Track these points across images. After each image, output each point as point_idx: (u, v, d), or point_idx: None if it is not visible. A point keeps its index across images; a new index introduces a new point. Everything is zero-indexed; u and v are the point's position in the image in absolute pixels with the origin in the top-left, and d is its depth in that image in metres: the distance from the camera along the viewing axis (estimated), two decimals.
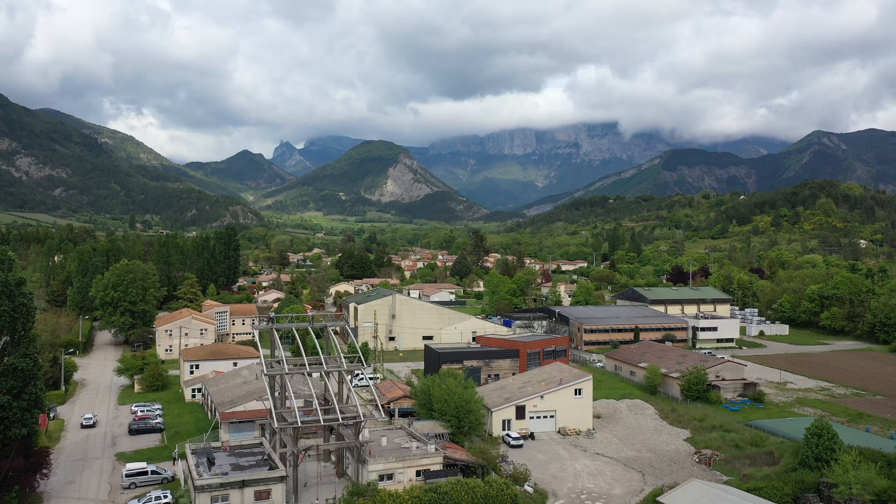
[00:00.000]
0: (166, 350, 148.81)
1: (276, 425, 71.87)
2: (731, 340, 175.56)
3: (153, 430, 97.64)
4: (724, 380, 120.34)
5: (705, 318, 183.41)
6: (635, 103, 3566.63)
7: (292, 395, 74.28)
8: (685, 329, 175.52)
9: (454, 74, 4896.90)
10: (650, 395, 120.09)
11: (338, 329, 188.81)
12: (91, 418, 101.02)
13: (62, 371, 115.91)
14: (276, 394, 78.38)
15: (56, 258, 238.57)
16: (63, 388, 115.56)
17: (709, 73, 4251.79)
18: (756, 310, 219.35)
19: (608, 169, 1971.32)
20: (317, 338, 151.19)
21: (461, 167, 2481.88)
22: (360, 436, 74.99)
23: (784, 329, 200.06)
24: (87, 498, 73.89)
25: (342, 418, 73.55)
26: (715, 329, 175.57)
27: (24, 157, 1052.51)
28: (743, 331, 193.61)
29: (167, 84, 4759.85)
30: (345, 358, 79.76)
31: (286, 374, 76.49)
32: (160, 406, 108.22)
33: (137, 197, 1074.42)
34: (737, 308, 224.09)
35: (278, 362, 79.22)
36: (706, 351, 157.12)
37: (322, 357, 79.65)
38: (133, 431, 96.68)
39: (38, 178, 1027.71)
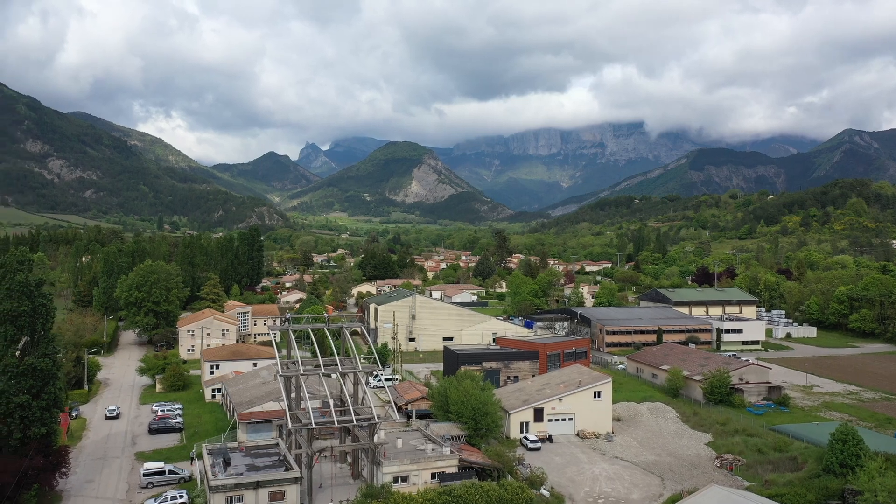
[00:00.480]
0: (188, 350, 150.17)
1: (290, 426, 71.88)
2: (756, 343, 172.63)
3: (172, 429, 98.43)
4: (747, 383, 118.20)
5: (730, 319, 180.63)
6: (661, 103, 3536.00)
7: (307, 396, 74.21)
8: (709, 331, 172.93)
9: (479, 75, 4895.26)
10: (672, 398, 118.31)
11: (358, 330, 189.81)
12: (115, 410, 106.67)
13: (85, 370, 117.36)
14: (292, 395, 78.50)
15: (84, 259, 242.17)
16: (86, 387, 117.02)
17: (737, 72, 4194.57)
18: (783, 311, 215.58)
19: (634, 169, 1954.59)
20: (335, 339, 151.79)
21: (486, 168, 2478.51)
22: (375, 437, 74.79)
23: (812, 331, 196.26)
24: (105, 497, 74.63)
25: (356, 420, 73.41)
26: (740, 331, 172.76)
27: (56, 159, 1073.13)
28: (769, 333, 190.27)
29: (195, 87, 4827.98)
30: (364, 359, 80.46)
31: (301, 375, 76.51)
32: (180, 406, 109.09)
33: (166, 198, 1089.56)
34: (763, 310, 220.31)
35: (294, 363, 79.38)
36: (731, 353, 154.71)
37: (337, 358, 79.52)
38: (153, 431, 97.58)
39: (70, 181, 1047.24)
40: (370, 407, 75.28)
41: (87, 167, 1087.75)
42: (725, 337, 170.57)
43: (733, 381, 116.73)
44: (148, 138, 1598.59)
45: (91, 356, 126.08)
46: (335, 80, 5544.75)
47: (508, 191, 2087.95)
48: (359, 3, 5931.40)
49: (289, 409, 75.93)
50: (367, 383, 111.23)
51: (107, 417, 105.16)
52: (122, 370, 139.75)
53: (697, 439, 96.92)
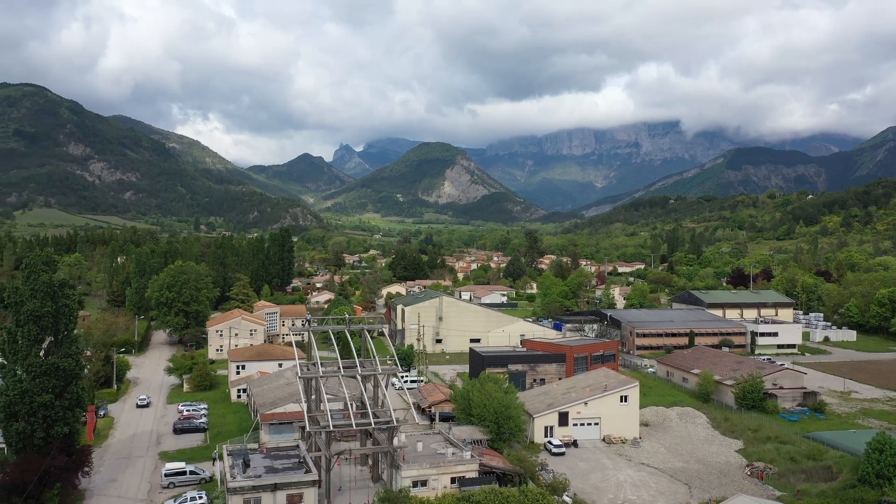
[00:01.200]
0: (217, 350, 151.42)
1: (307, 428, 71.49)
2: (792, 346, 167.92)
3: (197, 429, 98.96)
4: (781, 388, 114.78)
5: (765, 322, 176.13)
6: (698, 101, 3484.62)
7: (325, 398, 73.70)
8: (743, 334, 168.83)
9: (512, 75, 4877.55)
10: (702, 403, 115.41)
11: (384, 331, 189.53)
12: (145, 399, 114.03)
13: (114, 370, 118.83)
14: (313, 396, 78.17)
15: (119, 259, 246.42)
16: (114, 386, 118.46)
17: (776, 69, 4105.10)
18: (821, 314, 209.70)
19: (669, 169, 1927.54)
20: (361, 340, 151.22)
21: (519, 168, 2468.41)
22: (395, 441, 73.99)
23: (851, 335, 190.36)
24: (126, 496, 75.08)
25: (375, 423, 72.72)
26: (775, 334, 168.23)
27: (97, 161, 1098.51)
28: (806, 336, 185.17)
29: (231, 89, 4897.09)
30: (389, 360, 79.42)
31: (320, 377, 76.10)
32: (206, 406, 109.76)
33: (202, 199, 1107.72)
34: (800, 312, 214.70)
35: (314, 365, 79.04)
36: (765, 357, 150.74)
37: (357, 360, 78.98)
38: (177, 430, 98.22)
39: (110, 182, 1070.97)
40: (389, 410, 74.49)
41: (126, 169, 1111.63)
42: (760, 340, 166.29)
43: (766, 385, 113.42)
44: (186, 140, 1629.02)
45: (120, 355, 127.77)
46: (369, 81, 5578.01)
47: (542, 191, 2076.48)
48: (392, 5, 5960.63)
49: (308, 411, 75.65)
50: (392, 385, 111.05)
51: (138, 406, 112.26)
52: (152, 369, 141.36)
53: (728, 446, 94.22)
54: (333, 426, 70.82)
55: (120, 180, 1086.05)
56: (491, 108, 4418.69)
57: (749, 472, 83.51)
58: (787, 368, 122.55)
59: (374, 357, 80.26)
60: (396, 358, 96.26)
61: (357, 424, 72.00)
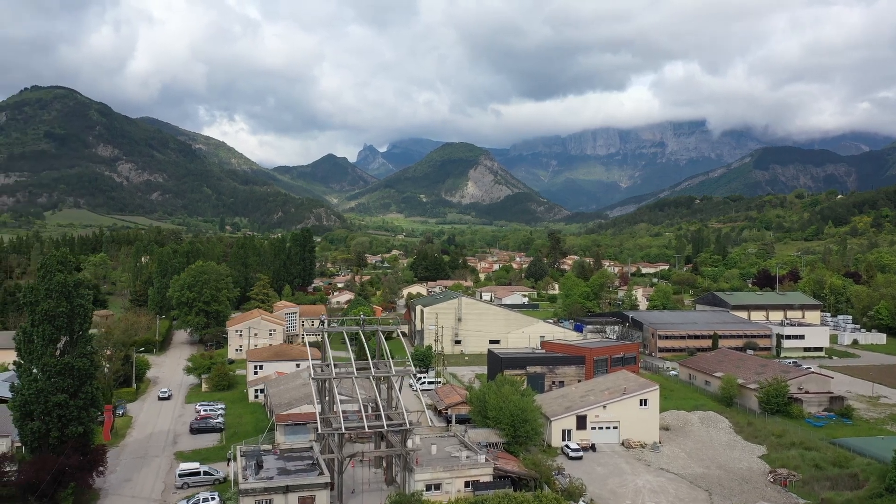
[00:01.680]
0: (236, 350, 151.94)
1: (319, 430, 70.96)
2: (819, 349, 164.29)
3: (213, 429, 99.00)
4: (807, 392, 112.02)
5: (791, 324, 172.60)
6: (725, 100, 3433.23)
7: (338, 399, 73.08)
8: (769, 336, 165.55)
9: (536, 75, 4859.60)
10: (725, 407, 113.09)
11: (403, 332, 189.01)
12: (167, 392, 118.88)
13: (133, 369, 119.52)
14: (327, 398, 77.65)
15: (143, 259, 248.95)
16: (134, 385, 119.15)
17: (805, 67, 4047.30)
18: (850, 317, 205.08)
19: (695, 168, 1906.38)
20: (387, 339, 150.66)
21: (542, 168, 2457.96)
22: (408, 443, 73.16)
23: (881, 338, 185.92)
24: (140, 496, 75.13)
25: (388, 425, 71.95)
26: (802, 337, 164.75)
27: (125, 163, 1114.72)
28: (834, 339, 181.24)
29: (257, 91, 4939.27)
30: (406, 362, 78.90)
31: (333, 378, 75.54)
32: (223, 406, 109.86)
33: (227, 200, 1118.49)
34: (828, 315, 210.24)
35: (328, 366, 78.54)
36: (791, 361, 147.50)
37: (371, 362, 78.30)
38: (194, 430, 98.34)
39: (138, 183, 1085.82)
40: (402, 412, 73.68)
41: (154, 170, 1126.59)
42: (786, 343, 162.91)
43: (791, 390, 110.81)
44: (212, 142, 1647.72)
45: (140, 355, 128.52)
46: (393, 82, 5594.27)
47: (565, 191, 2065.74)
48: (416, 6, 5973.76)
49: (321, 413, 75.13)
50: (410, 386, 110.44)
51: (159, 399, 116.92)
52: (172, 369, 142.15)
53: (750, 452, 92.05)
54: (345, 428, 70.15)
55: (147, 181, 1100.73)
56: (515, 108, 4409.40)
57: (772, 479, 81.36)
58: (813, 372, 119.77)
59: (387, 358, 79.50)
60: (411, 359, 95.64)
61: (369, 427, 71.25)
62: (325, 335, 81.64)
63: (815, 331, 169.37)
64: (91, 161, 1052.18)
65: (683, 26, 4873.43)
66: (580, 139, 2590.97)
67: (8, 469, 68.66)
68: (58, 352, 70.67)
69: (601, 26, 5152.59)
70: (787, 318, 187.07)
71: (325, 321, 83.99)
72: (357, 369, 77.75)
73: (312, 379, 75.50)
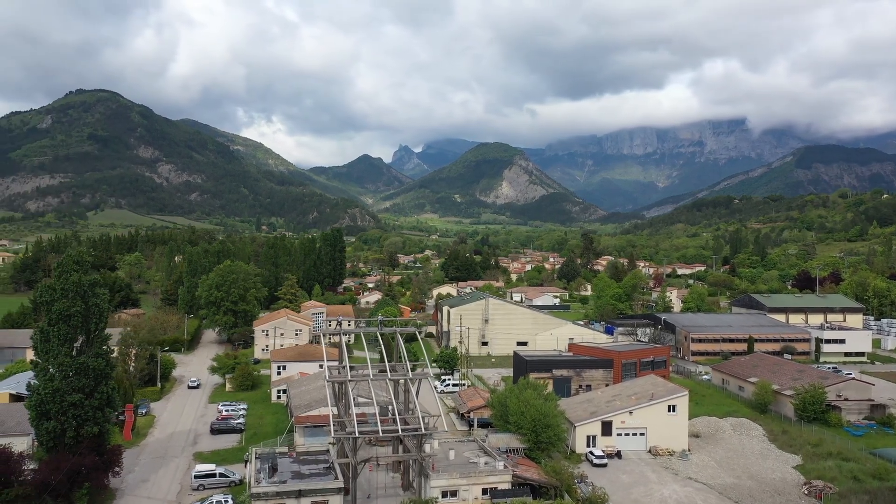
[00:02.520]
0: (263, 349, 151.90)
1: (332, 434, 69.62)
2: (861, 354, 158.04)
3: (233, 430, 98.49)
4: (846, 399, 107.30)
5: (831, 328, 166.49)
6: (766, 98, 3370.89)
7: (352, 403, 71.62)
8: (807, 341, 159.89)
9: (572, 74, 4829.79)
10: (759, 414, 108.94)
11: (433, 332, 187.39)
12: (196, 381, 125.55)
13: (158, 368, 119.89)
14: (342, 401, 76.27)
15: (176, 259, 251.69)
16: (159, 384, 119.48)
17: (850, 63, 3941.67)
18: (894, 320, 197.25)
19: (735, 168, 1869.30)
20: (413, 340, 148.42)
21: (578, 168, 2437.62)
22: (425, 448, 71.43)
23: None
24: (156, 497, 74.63)
25: (402, 430, 70.28)
26: (842, 341, 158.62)
27: (165, 164, 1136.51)
28: (877, 344, 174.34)
29: (294, 92, 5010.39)
30: (434, 363, 77.97)
31: (349, 381, 74.15)
32: (245, 406, 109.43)
33: (264, 200, 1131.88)
34: (871, 318, 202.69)
35: (344, 368, 77.17)
36: (830, 366, 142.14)
37: (387, 365, 76.74)
38: (214, 431, 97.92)
39: (177, 184, 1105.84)
40: (418, 416, 71.92)
41: (193, 171, 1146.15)
42: (825, 347, 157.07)
43: (830, 396, 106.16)
44: (250, 143, 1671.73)
45: (165, 354, 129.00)
46: (428, 82, 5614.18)
47: (601, 191, 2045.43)
48: (452, 6, 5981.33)
49: (336, 416, 73.80)
50: (434, 388, 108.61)
51: (189, 387, 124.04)
52: (199, 368, 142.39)
53: (784, 461, 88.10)
54: (359, 432, 68.64)
55: (186, 182, 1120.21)
56: (550, 107, 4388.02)
57: (806, 492, 77.52)
58: (853, 378, 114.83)
59: (405, 361, 77.87)
60: (431, 361, 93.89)
61: (384, 431, 69.64)
62: (342, 337, 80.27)
63: (857, 335, 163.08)
64: (132, 162, 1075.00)
65: (723, 23, 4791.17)
66: (617, 138, 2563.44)
67: (24, 468, 68.67)
68: (74, 351, 70.58)
69: (639, 24, 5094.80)
70: (827, 322, 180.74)
71: (340, 322, 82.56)
72: (377, 372, 76.20)
73: (327, 381, 74.21)
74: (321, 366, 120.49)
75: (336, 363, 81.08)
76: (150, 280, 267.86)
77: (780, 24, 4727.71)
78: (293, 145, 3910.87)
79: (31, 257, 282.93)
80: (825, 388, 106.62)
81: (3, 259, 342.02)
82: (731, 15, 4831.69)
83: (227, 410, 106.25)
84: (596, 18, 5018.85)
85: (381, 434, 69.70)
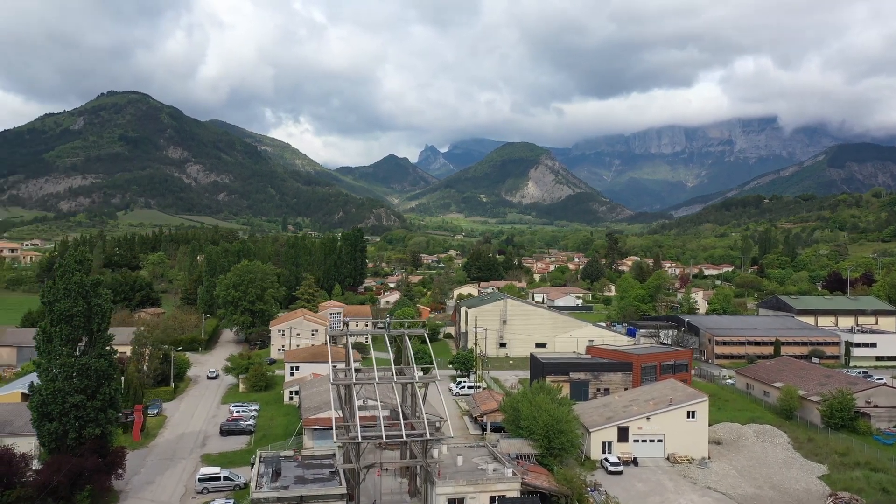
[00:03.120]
0: (279, 350, 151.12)
1: (335, 439, 67.95)
2: (893, 359, 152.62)
3: (243, 431, 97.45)
4: (876, 406, 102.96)
5: (862, 331, 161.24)
6: (798, 95, 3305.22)
7: (356, 406, 69.88)
8: (837, 344, 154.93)
9: (599, 73, 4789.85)
10: (784, 421, 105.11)
11: (452, 333, 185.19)
12: (214, 372, 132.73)
13: (171, 368, 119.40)
14: (348, 404, 74.54)
15: (198, 258, 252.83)
16: (172, 384, 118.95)
17: (886, 59, 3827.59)
18: None
19: (765, 167, 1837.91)
20: (431, 341, 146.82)
21: (605, 168, 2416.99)
22: (431, 454, 69.41)
23: None
24: (159, 500, 73.57)
25: (407, 434, 68.31)
26: (874, 345, 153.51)
27: (194, 164, 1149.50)
28: None
29: (321, 93, 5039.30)
30: (450, 365, 76.16)
31: (353, 384, 72.42)
32: (257, 407, 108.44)
33: (291, 200, 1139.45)
34: None
35: (350, 370, 75.48)
36: (860, 371, 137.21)
37: (393, 368, 74.85)
38: (224, 432, 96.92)
39: (205, 184, 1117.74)
40: (424, 421, 69.90)
41: (220, 171, 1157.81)
42: (855, 351, 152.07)
43: (858, 403, 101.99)
44: (278, 144, 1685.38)
45: (180, 353, 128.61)
46: (454, 82, 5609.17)
47: (629, 191, 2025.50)
48: (478, 6, 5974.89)
49: (340, 420, 72.14)
50: (449, 391, 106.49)
51: (209, 378, 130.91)
52: (215, 368, 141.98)
53: (809, 471, 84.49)
54: (363, 437, 66.83)
55: (214, 182, 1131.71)
56: (577, 106, 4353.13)
57: (832, 503, 74.08)
58: (884, 385, 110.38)
59: (412, 363, 75.94)
60: (443, 363, 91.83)
61: (388, 436, 67.74)
62: (348, 338, 78.59)
63: (889, 338, 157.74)
64: (161, 163, 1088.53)
65: (754, 19, 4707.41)
66: (644, 137, 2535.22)
67: (28, 469, 68.02)
68: (77, 352, 69.80)
69: (667, 21, 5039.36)
70: (858, 325, 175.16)
71: (347, 323, 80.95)
72: (378, 376, 74.35)
73: (332, 384, 72.60)
74: (335, 367, 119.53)
75: (329, 365, 79.56)
76: (172, 279, 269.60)
77: (813, 19, 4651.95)
78: (320, 146, 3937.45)
79: (56, 256, 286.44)
80: (854, 393, 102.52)
81: (32, 258, 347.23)
82: (763, 11, 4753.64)
83: (238, 411, 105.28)
84: (624, 16, 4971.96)
85: (384, 439, 67.81)
